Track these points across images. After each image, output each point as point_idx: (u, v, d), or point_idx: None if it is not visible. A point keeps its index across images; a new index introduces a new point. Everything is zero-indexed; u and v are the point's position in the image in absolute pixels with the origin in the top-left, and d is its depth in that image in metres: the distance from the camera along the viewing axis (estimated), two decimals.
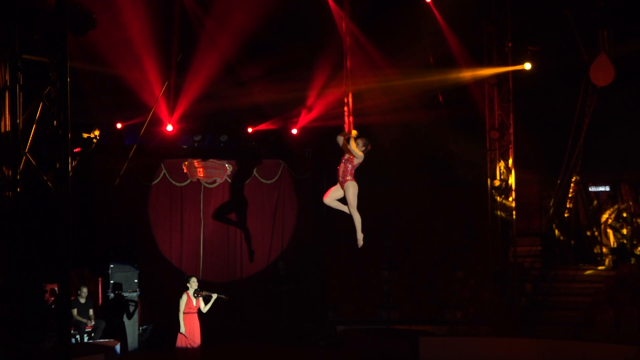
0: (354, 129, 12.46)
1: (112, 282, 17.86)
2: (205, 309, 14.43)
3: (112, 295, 17.80)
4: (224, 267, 19.65)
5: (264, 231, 20.00)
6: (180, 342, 14.37)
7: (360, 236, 12.13)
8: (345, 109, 12.18)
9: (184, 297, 14.29)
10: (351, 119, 12.41)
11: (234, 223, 19.90)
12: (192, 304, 14.24)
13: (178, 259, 19.36)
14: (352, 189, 11.92)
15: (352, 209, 12.10)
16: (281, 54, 18.62)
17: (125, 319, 17.83)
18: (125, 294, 17.85)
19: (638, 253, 19.42)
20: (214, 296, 14.41)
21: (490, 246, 18.99)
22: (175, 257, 19.36)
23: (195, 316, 14.53)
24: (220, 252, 19.67)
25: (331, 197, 12.11)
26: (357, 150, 11.79)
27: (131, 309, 17.88)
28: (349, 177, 11.90)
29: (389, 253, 20.45)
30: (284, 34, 18.12)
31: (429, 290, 20.21)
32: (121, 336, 17.51)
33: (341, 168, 11.92)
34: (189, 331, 14.31)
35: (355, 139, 11.83)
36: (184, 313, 14.18)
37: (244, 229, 19.94)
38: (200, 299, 14.29)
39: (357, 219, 12.06)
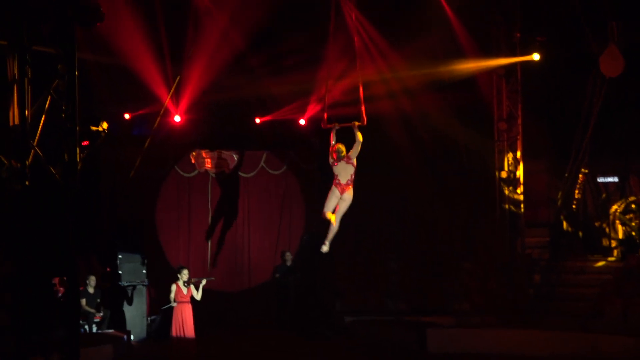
0: (365, 117, 12.54)
1: (120, 272, 17.90)
2: (198, 295, 14.89)
3: (121, 284, 17.85)
4: (232, 258, 19.69)
5: (271, 221, 20.04)
6: (175, 331, 14.64)
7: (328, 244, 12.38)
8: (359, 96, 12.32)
9: (173, 287, 14.88)
10: (363, 107, 12.48)
11: (241, 214, 19.91)
12: (182, 293, 14.68)
13: (186, 249, 19.42)
14: (350, 199, 12.10)
15: (339, 217, 12.27)
16: (289, 44, 18.58)
17: (132, 310, 17.86)
18: (130, 284, 17.86)
19: None
20: (204, 281, 14.87)
21: (497, 237, 18.96)
22: (183, 247, 19.41)
23: (189, 306, 14.76)
24: (228, 243, 19.70)
25: (331, 209, 12.27)
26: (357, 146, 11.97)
27: (136, 298, 17.84)
28: (350, 184, 12.04)
29: (396, 244, 20.47)
30: (292, 24, 18.06)
31: (436, 281, 20.20)
32: (125, 326, 17.58)
33: (341, 170, 11.99)
34: (182, 321, 14.63)
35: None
36: (176, 302, 14.78)
37: (251, 219, 19.97)
38: (192, 286, 14.72)
39: (336, 229, 12.29)
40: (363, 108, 12.47)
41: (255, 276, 19.81)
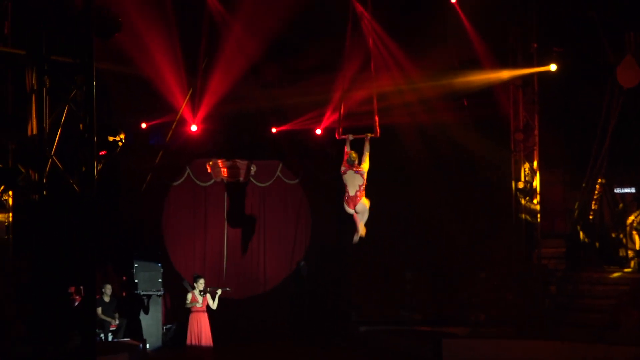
0: (379, 129, 12.57)
1: (136, 281, 17.96)
2: (214, 305, 14.99)
3: (137, 293, 17.91)
4: (247, 268, 19.71)
5: (287, 232, 20.05)
6: (190, 339, 14.72)
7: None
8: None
9: (189, 296, 15.20)
10: (377, 119, 12.51)
11: (257, 223, 19.95)
12: (197, 301, 14.72)
13: (202, 259, 19.45)
14: (365, 209, 12.14)
15: (362, 226, 12.34)
16: (305, 55, 18.62)
17: (148, 318, 17.92)
18: (146, 292, 17.92)
19: None
20: (219, 291, 14.98)
21: (514, 248, 18.91)
22: (198, 256, 19.45)
23: (205, 315, 14.84)
24: (243, 253, 19.72)
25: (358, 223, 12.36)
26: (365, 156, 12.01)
27: (152, 307, 17.91)
28: (359, 196, 12.08)
29: (411, 254, 20.45)
30: (308, 35, 18.11)
31: (451, 291, 20.15)
32: (141, 335, 17.64)
33: (349, 179, 12.06)
34: (198, 330, 14.71)
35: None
36: (192, 310, 15.10)
37: (267, 229, 20.00)
38: (208, 295, 14.83)
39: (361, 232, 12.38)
40: (377, 120, 12.51)
41: (270, 286, 19.81)
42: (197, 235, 19.54)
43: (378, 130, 12.57)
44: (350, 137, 12.60)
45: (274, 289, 19.84)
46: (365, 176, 12.48)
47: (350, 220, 20.29)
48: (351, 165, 12.42)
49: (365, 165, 12.48)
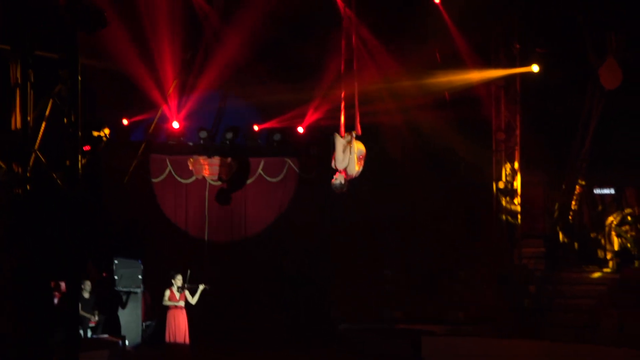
0: (361, 129, 12.48)
1: (115, 277, 17.87)
2: (193, 300, 14.93)
3: (117, 290, 17.83)
4: (229, 265, 19.66)
5: (268, 229, 20.01)
6: (169, 336, 14.66)
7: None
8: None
9: (167, 292, 15.04)
10: (357, 118, 12.39)
11: (238, 220, 19.91)
12: (175, 298, 14.66)
13: (182, 255, 19.34)
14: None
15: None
16: (288, 53, 18.61)
17: (127, 315, 17.84)
18: (126, 289, 17.83)
19: None
20: (200, 287, 14.87)
21: (494, 248, 18.99)
22: (179, 253, 19.34)
23: (183, 312, 14.77)
24: (225, 251, 19.67)
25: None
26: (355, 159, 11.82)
27: (132, 303, 17.84)
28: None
29: (393, 253, 20.49)
30: (291, 33, 18.10)
31: (431, 290, 20.21)
32: (120, 331, 17.57)
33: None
34: (176, 327, 14.64)
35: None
36: (169, 307, 14.90)
37: (248, 226, 19.97)
38: (186, 292, 14.75)
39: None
40: (358, 118, 12.37)
41: (252, 283, 19.76)
42: (178, 232, 19.46)
43: (359, 128, 12.40)
44: (354, 134, 12.31)
45: (255, 286, 19.79)
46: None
47: (332, 220, 20.45)
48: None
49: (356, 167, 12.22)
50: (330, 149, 12.27)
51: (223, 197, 19.75)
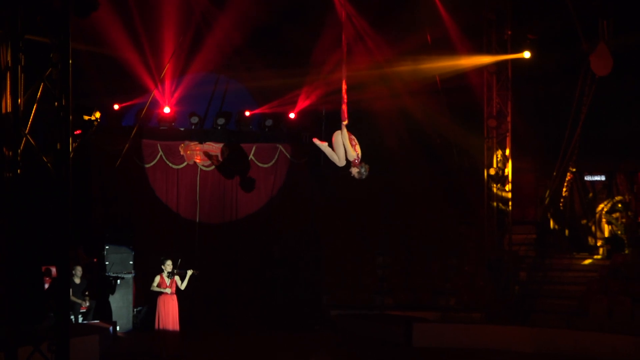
0: (352, 115, 12.42)
1: (107, 263, 17.86)
2: (182, 285, 14.92)
3: (107, 275, 17.81)
4: (220, 254, 19.64)
5: (259, 214, 19.99)
6: (158, 323, 14.64)
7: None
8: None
9: (157, 278, 14.92)
10: (344, 107, 12.29)
11: (229, 205, 19.88)
12: (165, 283, 14.62)
13: (173, 241, 19.32)
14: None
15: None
16: (281, 39, 18.55)
17: (119, 300, 17.84)
18: (116, 275, 17.82)
19: None
20: (189, 272, 14.85)
21: (486, 234, 19.03)
22: (170, 238, 19.32)
23: (173, 298, 14.75)
24: (216, 237, 19.66)
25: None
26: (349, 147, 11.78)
27: (123, 289, 17.83)
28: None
29: (385, 239, 20.52)
30: (284, 19, 18.03)
31: (423, 276, 20.28)
32: (111, 317, 17.58)
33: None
34: (165, 314, 14.62)
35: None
36: (159, 294, 14.77)
37: (239, 212, 19.94)
38: (176, 277, 14.72)
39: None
40: (345, 106, 12.26)
41: (243, 269, 19.76)
42: (170, 218, 19.43)
43: (346, 116, 12.28)
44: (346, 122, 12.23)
45: (246, 273, 19.79)
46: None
47: (325, 206, 20.44)
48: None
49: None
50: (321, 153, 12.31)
51: (215, 183, 19.72)
